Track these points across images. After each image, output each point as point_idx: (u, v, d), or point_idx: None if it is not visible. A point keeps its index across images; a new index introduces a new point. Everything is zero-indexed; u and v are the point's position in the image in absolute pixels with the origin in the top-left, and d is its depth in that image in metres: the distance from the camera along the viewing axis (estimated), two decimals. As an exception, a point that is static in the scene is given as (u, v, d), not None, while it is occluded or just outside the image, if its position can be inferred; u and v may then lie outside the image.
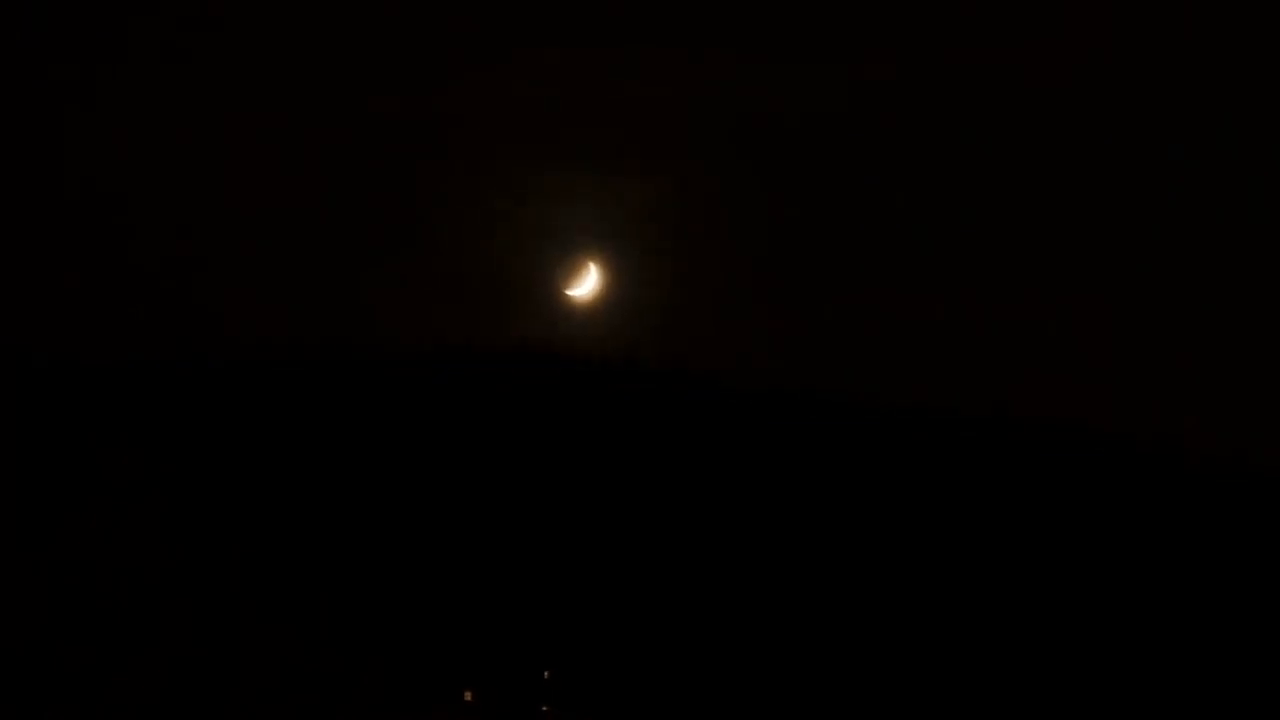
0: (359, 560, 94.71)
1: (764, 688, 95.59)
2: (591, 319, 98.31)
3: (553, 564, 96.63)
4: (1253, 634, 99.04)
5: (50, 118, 77.89)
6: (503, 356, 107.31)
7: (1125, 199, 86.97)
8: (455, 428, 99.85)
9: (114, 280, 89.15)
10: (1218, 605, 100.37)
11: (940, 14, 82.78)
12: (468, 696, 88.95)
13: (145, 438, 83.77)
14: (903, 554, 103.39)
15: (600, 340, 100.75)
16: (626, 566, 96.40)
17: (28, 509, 79.61)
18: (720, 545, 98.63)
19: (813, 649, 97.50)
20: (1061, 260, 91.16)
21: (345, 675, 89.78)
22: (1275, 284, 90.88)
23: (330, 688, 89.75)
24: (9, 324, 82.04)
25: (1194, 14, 77.15)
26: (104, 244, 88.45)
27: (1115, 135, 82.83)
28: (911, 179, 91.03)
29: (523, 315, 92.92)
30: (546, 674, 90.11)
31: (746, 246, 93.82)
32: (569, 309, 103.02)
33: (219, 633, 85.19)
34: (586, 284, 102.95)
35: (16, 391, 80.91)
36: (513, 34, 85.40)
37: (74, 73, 74.47)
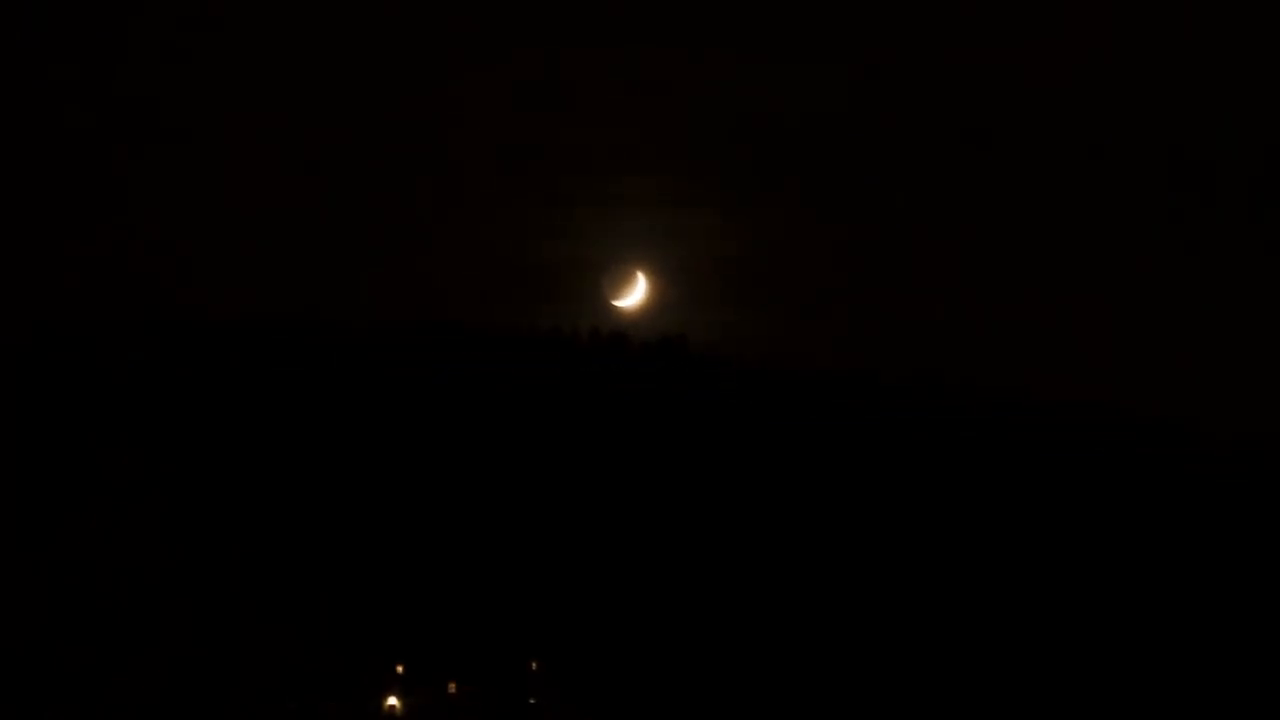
0: (353, 556, 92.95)
1: (751, 680, 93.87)
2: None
3: (542, 559, 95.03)
4: (1248, 612, 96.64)
5: (50, 117, 77.35)
6: (507, 355, 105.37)
7: (1123, 198, 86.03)
8: (447, 432, 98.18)
9: (115, 279, 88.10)
10: (1216, 581, 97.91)
11: (940, 14, 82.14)
12: (451, 689, 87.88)
13: (145, 438, 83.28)
14: (903, 547, 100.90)
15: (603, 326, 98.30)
16: (614, 562, 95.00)
17: (28, 509, 78.99)
18: (708, 540, 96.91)
19: (797, 644, 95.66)
20: (1061, 260, 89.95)
21: (337, 670, 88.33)
22: (1274, 281, 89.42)
23: (321, 682, 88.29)
24: (10, 324, 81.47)
25: (1192, 14, 76.51)
26: (106, 244, 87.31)
27: (1114, 135, 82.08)
28: (910, 178, 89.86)
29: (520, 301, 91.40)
30: (534, 665, 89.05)
31: (743, 244, 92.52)
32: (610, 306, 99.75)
33: (218, 632, 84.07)
34: (634, 294, 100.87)
35: (17, 392, 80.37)
36: (512, 34, 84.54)
37: (74, 73, 74.07)
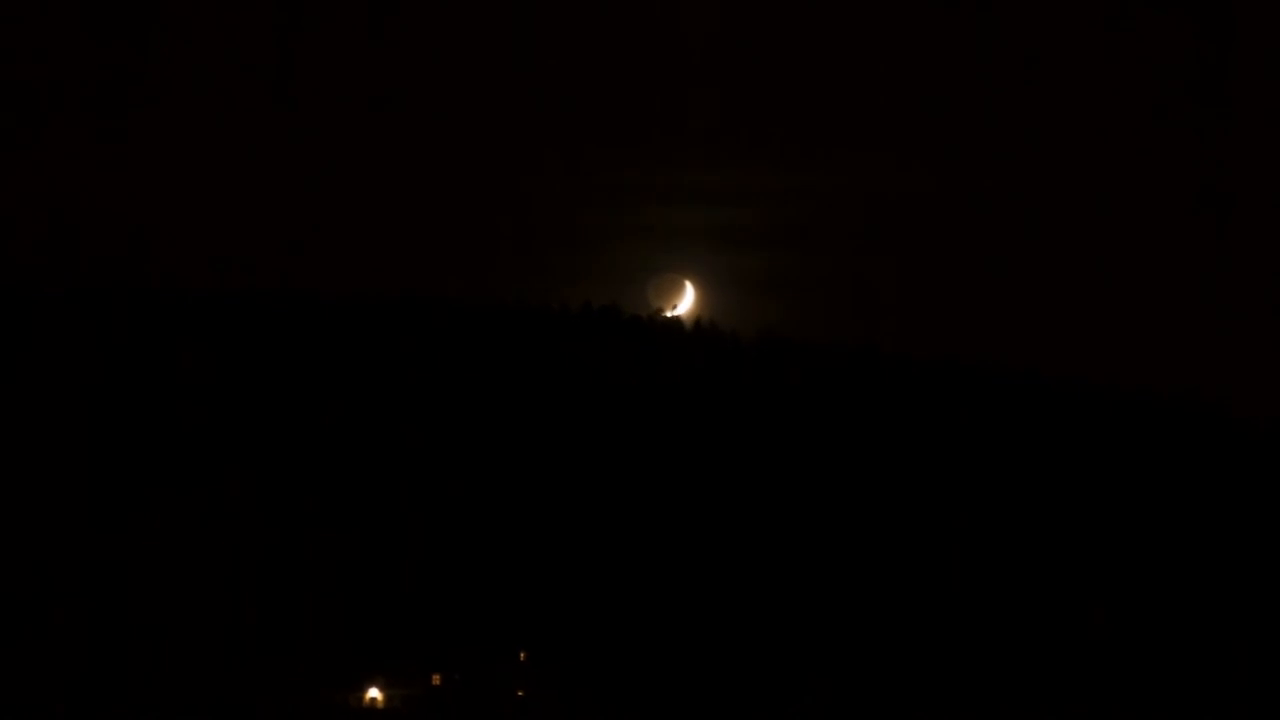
0: (334, 545, 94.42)
1: (745, 669, 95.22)
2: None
3: (530, 548, 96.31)
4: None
5: (51, 118, 78.30)
6: (493, 335, 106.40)
7: (1146, 180, 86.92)
8: (436, 425, 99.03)
9: (112, 264, 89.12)
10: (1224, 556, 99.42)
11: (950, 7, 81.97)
12: (435, 680, 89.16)
13: (141, 431, 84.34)
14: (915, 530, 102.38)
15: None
16: (604, 551, 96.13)
17: (28, 508, 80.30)
18: (699, 530, 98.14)
19: (791, 633, 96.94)
20: (1062, 260, 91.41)
21: (319, 663, 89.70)
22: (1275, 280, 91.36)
23: (303, 674, 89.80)
24: (17, 321, 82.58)
25: (1194, 16, 77.18)
26: (108, 244, 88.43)
27: (1140, 116, 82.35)
28: (935, 166, 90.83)
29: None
30: (523, 656, 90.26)
31: (761, 225, 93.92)
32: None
33: (206, 627, 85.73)
34: (683, 303, 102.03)
35: (16, 390, 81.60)
36: (523, 33, 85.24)
37: (75, 73, 74.82)
